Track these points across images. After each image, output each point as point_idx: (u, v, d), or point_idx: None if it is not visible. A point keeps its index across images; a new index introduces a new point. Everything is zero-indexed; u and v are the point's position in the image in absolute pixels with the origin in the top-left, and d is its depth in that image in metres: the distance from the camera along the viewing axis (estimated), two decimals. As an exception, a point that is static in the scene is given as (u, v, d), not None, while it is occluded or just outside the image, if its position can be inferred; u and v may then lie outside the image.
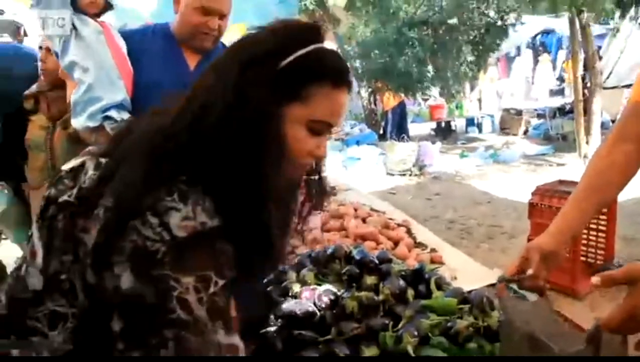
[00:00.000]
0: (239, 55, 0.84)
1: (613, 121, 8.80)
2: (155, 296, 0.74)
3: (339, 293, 2.01)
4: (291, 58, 0.82)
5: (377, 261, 2.38)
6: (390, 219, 3.95)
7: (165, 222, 0.74)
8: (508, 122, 11.20)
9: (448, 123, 11.18)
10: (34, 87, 2.41)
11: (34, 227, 0.86)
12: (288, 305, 1.98)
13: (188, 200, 0.76)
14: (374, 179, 6.78)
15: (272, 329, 1.72)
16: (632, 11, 6.15)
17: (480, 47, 8.05)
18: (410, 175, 7.08)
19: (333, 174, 6.71)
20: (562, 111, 10.27)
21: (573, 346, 1.01)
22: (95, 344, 0.81)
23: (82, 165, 0.86)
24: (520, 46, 14.42)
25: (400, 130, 9.16)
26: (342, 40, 10.14)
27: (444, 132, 10.88)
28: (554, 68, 13.40)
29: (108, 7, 1.81)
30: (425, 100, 11.08)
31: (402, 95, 9.22)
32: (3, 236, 2.95)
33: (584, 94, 7.36)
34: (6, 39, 3.11)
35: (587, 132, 7.26)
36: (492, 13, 7.99)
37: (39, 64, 2.32)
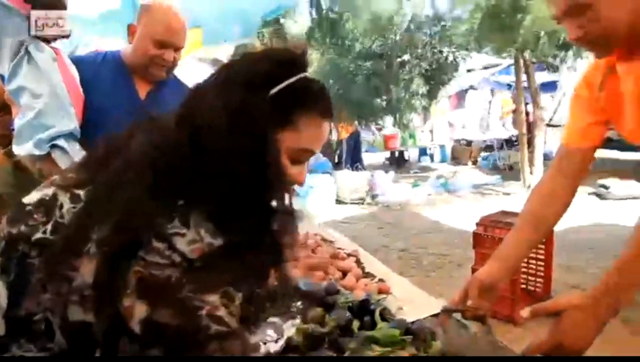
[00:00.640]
0: (234, 79, 0.84)
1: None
2: (181, 318, 0.74)
3: (284, 325, 2.01)
4: (282, 86, 0.82)
5: (324, 293, 2.40)
6: (340, 248, 4.00)
7: (173, 247, 0.74)
8: (459, 152, 11.58)
9: (401, 153, 11.44)
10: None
11: None
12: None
13: (190, 224, 0.76)
14: (327, 208, 6.84)
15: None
16: (569, 62, 6.56)
17: (432, 81, 8.37)
18: (363, 204, 7.18)
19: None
20: (510, 143, 10.70)
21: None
22: None
23: (54, 198, 0.82)
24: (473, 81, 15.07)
25: (354, 160, 9.32)
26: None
27: (397, 162, 11.12)
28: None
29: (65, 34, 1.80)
30: (380, 130, 11.33)
31: (357, 124, 9.41)
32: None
33: (528, 128, 7.72)
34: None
35: (531, 163, 7.60)
36: (444, 49, 8.33)
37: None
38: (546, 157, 8.92)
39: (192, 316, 0.75)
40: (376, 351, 1.77)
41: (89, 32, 4.00)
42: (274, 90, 0.82)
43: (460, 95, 14.73)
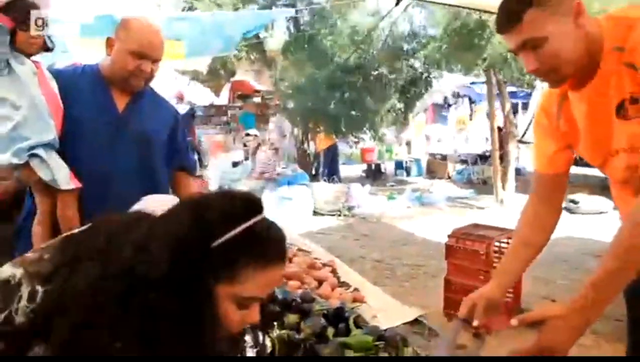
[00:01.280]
0: (180, 230, 0.81)
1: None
2: None
3: (260, 332, 2.05)
4: (222, 239, 0.80)
5: (300, 300, 2.45)
6: (316, 258, 4.05)
7: None
8: (434, 166, 11.76)
9: (378, 166, 11.58)
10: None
11: None
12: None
13: None
14: (304, 219, 6.89)
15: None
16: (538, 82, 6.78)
17: (407, 96, 8.53)
18: (339, 216, 7.24)
19: (264, 213, 6.75)
20: (483, 158, 10.92)
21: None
22: None
23: (18, 286, 0.82)
24: (447, 96, 15.40)
25: (331, 172, 9.39)
26: (277, 83, 10.40)
27: (374, 175, 11.24)
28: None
29: (46, 48, 1.83)
30: (357, 143, 11.45)
31: (334, 137, 9.50)
32: None
33: (500, 145, 7.91)
34: None
35: (504, 178, 7.78)
36: (417, 65, 8.51)
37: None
38: (518, 172, 9.14)
39: None
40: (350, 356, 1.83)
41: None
42: (215, 243, 0.80)
43: (437, 109, 15.07)
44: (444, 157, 11.88)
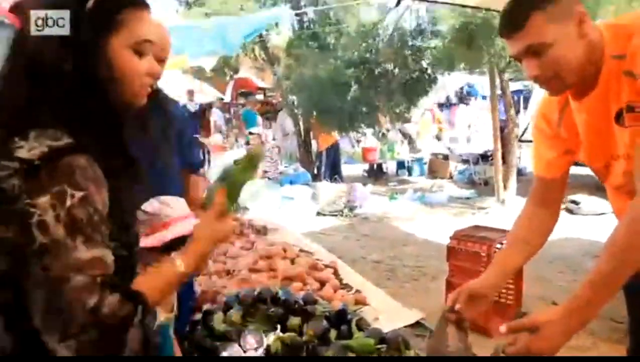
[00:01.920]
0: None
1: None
2: (19, 232, 0.80)
3: (264, 334, 2.08)
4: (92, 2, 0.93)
5: (302, 302, 2.48)
6: (318, 260, 4.08)
7: (14, 157, 0.82)
8: (436, 166, 11.75)
9: (380, 165, 11.57)
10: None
11: None
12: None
13: (28, 136, 0.84)
14: (306, 219, 6.90)
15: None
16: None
17: (412, 93, 8.52)
18: (341, 215, 7.26)
19: (266, 212, 6.78)
20: (485, 157, 10.91)
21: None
22: None
23: None
24: (450, 95, 15.42)
25: (333, 171, 9.40)
26: (280, 79, 10.41)
27: (375, 174, 11.24)
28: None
29: None
30: (359, 142, 11.44)
31: (337, 136, 9.50)
32: None
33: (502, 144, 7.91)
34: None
35: (505, 178, 7.78)
36: (424, 62, 8.50)
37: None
38: (520, 172, 9.13)
39: (26, 227, 0.79)
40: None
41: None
42: (89, 4, 0.92)
43: (441, 109, 15.09)
44: (446, 157, 11.86)
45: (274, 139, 11.59)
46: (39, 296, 0.80)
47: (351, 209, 7.44)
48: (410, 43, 8.69)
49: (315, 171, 9.78)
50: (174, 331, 1.75)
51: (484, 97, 15.61)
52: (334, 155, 9.82)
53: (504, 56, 6.04)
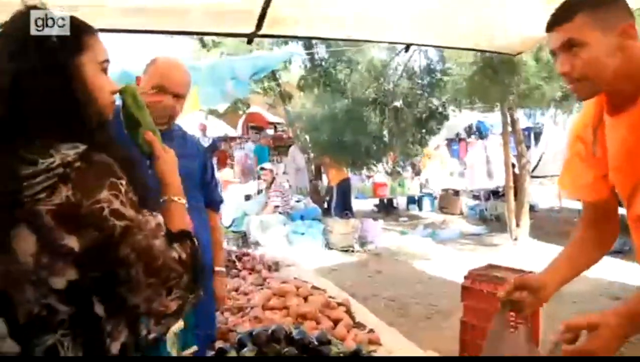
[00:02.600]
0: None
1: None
2: (99, 226, 0.90)
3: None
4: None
5: (316, 342, 2.45)
6: (331, 297, 4.03)
7: (52, 163, 0.89)
8: (446, 201, 11.72)
9: (390, 200, 11.56)
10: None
11: None
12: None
13: (47, 145, 0.92)
14: (317, 255, 6.88)
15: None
16: (551, 111, 6.82)
17: (423, 130, 8.58)
18: (352, 251, 7.22)
19: (277, 248, 6.77)
20: (496, 193, 10.88)
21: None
22: None
23: None
24: (459, 132, 15.48)
25: (344, 206, 9.38)
26: (291, 116, 10.53)
27: (386, 209, 11.23)
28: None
29: None
30: (369, 177, 11.46)
31: (348, 171, 9.53)
32: None
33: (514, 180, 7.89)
34: None
35: (517, 215, 7.73)
36: (434, 101, 8.59)
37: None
38: (532, 208, 9.08)
39: (102, 225, 0.90)
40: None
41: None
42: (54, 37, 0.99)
43: (450, 146, 15.12)
44: (457, 192, 11.84)
45: (285, 173, 11.66)
46: (137, 271, 0.93)
47: (362, 244, 7.41)
48: (419, 82, 8.81)
49: (326, 206, 9.78)
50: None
51: (484, 133, 15.76)
52: (344, 190, 9.82)
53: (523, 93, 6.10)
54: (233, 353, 2.41)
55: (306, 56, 9.85)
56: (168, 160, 1.23)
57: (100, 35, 1.09)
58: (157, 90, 1.88)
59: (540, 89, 6.05)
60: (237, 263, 4.80)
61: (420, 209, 11.70)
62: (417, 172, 12.99)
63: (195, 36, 9.44)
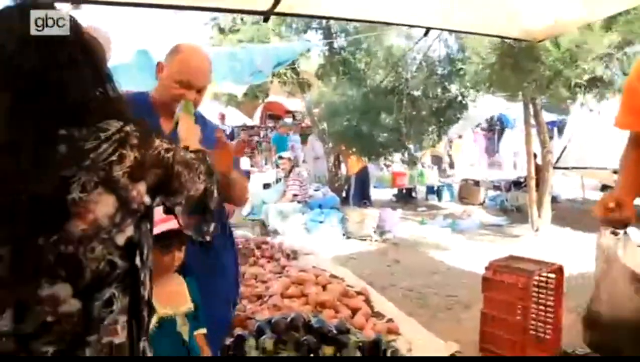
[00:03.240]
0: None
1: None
2: (159, 170, 1.14)
3: (297, 363, 2.04)
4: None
5: (335, 331, 2.44)
6: (350, 286, 4.03)
7: (108, 129, 1.08)
8: (466, 191, 11.59)
9: (409, 190, 11.48)
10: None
11: None
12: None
13: (101, 128, 1.09)
14: (335, 243, 6.86)
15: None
16: (580, 98, 6.63)
17: (442, 119, 8.46)
18: (370, 240, 7.19)
19: (295, 236, 6.77)
20: (517, 184, 10.72)
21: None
22: None
23: None
24: (480, 122, 15.31)
25: (362, 195, 9.35)
26: (310, 105, 10.48)
27: (405, 199, 11.15)
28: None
29: None
30: (388, 166, 11.38)
31: (366, 160, 9.47)
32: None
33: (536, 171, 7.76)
34: None
35: (539, 206, 7.60)
36: (453, 89, 8.44)
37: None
38: (554, 200, 8.91)
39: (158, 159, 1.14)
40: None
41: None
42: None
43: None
44: (477, 183, 11.70)
45: (304, 162, 11.64)
46: (185, 175, 1.19)
47: (381, 233, 7.37)
48: (439, 71, 8.67)
49: (344, 195, 9.75)
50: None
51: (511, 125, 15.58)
52: (363, 179, 9.79)
53: (547, 80, 5.96)
54: (252, 340, 2.42)
55: (325, 46, 9.78)
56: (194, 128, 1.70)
57: (115, 12, 1.19)
58: (182, 86, 1.88)
59: (564, 74, 5.88)
60: (255, 251, 4.82)
61: (439, 199, 11.60)
62: (451, 164, 12.92)
63: (212, 22, 9.39)
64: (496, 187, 11.37)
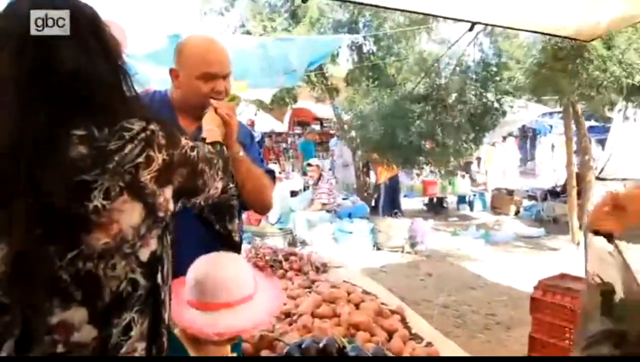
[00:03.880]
0: None
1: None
2: (186, 169, 1.06)
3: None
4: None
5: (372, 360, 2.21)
6: (384, 304, 3.78)
7: (133, 129, 0.98)
8: (499, 201, 11.21)
9: (440, 199, 11.16)
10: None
11: None
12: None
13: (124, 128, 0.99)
14: (364, 255, 6.63)
15: None
16: (620, 105, 6.28)
17: (477, 127, 8.13)
18: (402, 252, 6.93)
19: (324, 247, 6.54)
20: (553, 193, 10.31)
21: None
22: None
23: None
24: (513, 130, 14.89)
25: (393, 205, 9.08)
26: (339, 110, 10.28)
27: (435, 208, 10.84)
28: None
29: None
30: (419, 175, 11.08)
31: (397, 168, 9.19)
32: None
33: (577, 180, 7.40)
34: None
35: (580, 217, 7.23)
36: (490, 95, 8.13)
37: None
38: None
39: (195, 164, 1.10)
40: None
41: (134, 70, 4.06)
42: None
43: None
44: (510, 192, 11.31)
45: (330, 170, 11.44)
46: (207, 173, 1.13)
47: (412, 245, 7.11)
48: (474, 77, 8.35)
49: (373, 203, 9.50)
50: None
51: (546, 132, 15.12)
52: (393, 187, 9.52)
53: (596, 83, 5.64)
54: (281, 367, 2.22)
55: (354, 49, 9.60)
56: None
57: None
58: (206, 79, 1.69)
59: (614, 74, 5.51)
60: (283, 263, 4.61)
61: (471, 209, 11.26)
62: (481, 173, 12.60)
63: (241, 29, 9.31)
64: (531, 197, 10.98)
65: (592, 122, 12.55)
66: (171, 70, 1.76)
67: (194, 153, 1.08)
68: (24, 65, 0.90)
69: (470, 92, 7.91)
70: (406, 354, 2.73)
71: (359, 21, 9.53)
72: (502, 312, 4.40)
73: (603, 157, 8.96)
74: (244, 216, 2.16)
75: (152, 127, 0.97)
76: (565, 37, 4.26)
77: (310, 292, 3.82)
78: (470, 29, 4.06)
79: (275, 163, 13.40)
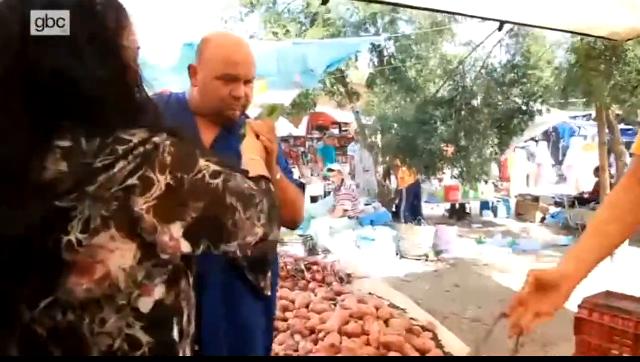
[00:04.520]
0: None
1: None
2: (205, 201, 0.84)
3: None
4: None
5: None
6: (412, 319, 3.59)
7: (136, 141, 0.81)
8: (523, 208, 10.91)
9: (462, 205, 10.89)
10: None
11: None
12: None
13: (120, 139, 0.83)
14: (387, 263, 6.42)
15: None
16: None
17: (504, 131, 7.87)
18: (426, 260, 6.70)
19: (346, 255, 6.35)
20: (580, 200, 9.98)
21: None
22: None
23: None
24: (536, 134, 14.56)
25: (414, 211, 8.85)
26: (359, 115, 10.09)
27: (458, 214, 10.57)
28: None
29: None
30: (440, 180, 10.83)
31: (419, 173, 8.96)
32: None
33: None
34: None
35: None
36: (517, 98, 7.86)
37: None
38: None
39: (206, 183, 0.86)
40: None
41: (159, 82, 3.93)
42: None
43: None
44: (535, 198, 11.00)
45: (350, 174, 11.25)
46: (239, 210, 0.89)
47: (436, 253, 6.87)
48: (501, 79, 8.09)
49: (394, 209, 9.28)
50: None
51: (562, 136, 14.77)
52: (415, 193, 9.29)
53: (631, 84, 5.39)
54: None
55: (374, 52, 9.42)
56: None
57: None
58: (225, 81, 1.53)
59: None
60: (305, 273, 4.44)
61: (495, 215, 10.96)
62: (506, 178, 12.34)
63: (258, 32, 9.21)
64: (557, 204, 10.66)
65: (622, 125, 12.21)
66: (190, 67, 1.61)
67: (218, 181, 0.86)
68: (3, 64, 0.75)
69: (496, 95, 7.67)
70: (442, 378, 2.55)
71: (378, 23, 9.35)
72: (535, 328, 4.15)
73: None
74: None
75: (156, 139, 0.78)
76: (600, 37, 4.06)
77: (334, 304, 3.65)
78: (500, 29, 3.87)
79: (295, 167, 13.26)
